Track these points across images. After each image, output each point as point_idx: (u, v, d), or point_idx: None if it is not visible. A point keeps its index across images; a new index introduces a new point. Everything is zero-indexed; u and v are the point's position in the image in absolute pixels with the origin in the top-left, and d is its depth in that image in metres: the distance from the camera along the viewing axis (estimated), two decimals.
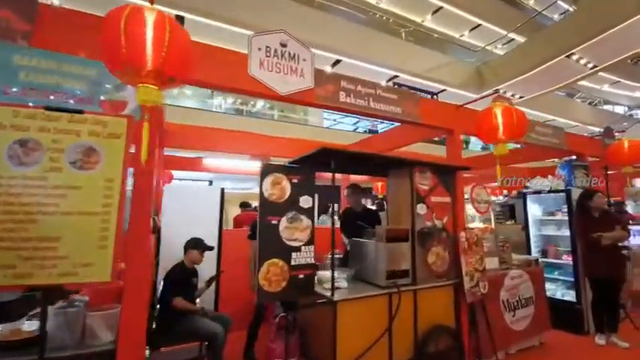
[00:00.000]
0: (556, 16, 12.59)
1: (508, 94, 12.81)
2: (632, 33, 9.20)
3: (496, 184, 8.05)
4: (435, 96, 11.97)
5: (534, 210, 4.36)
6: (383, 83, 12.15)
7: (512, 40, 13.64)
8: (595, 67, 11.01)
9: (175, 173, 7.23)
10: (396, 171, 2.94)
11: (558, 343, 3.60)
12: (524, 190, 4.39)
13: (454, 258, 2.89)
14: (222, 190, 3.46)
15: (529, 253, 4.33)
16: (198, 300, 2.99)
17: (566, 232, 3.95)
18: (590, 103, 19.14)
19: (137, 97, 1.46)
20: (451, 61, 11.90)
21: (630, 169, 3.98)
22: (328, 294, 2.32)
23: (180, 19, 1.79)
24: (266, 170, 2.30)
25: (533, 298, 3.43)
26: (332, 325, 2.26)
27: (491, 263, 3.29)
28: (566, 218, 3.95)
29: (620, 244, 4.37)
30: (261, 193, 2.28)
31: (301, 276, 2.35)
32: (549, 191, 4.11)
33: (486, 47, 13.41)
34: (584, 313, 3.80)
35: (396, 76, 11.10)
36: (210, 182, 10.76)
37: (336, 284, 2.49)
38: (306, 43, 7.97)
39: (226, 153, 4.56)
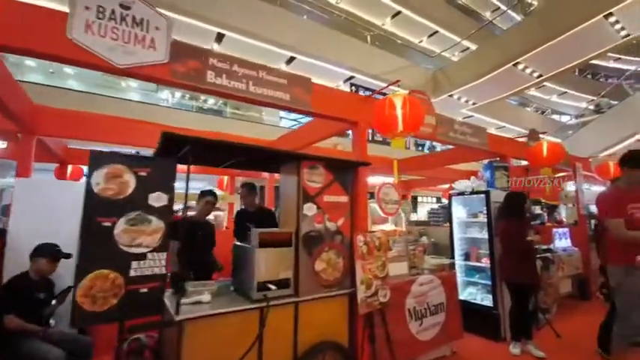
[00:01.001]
0: (506, 27, 12.93)
1: (462, 100, 13.05)
2: (572, 45, 9.55)
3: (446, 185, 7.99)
4: None
5: (459, 212, 4.18)
6: (341, 84, 11.99)
7: (468, 48, 13.95)
8: (540, 76, 11.40)
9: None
10: (286, 167, 2.57)
11: (472, 352, 3.38)
12: (450, 192, 4.20)
13: (351, 265, 2.57)
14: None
15: (453, 256, 4.14)
16: (52, 321, 2.45)
17: (487, 235, 3.79)
18: (542, 113, 20.10)
19: None
20: (408, 65, 11.90)
21: (549, 170, 3.88)
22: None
23: None
24: (97, 160, 1.84)
25: (445, 305, 3.19)
26: (176, 349, 1.83)
27: (400, 269, 3.01)
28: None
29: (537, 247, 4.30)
30: (89, 188, 1.81)
31: (144, 290, 1.90)
32: (471, 193, 3.94)
33: (444, 54, 13.60)
34: (500, 319, 3.62)
35: (352, 77, 10.89)
36: None
37: (196, 298, 2.07)
38: (260, 38, 7.50)
39: (131, 146, 4.00)
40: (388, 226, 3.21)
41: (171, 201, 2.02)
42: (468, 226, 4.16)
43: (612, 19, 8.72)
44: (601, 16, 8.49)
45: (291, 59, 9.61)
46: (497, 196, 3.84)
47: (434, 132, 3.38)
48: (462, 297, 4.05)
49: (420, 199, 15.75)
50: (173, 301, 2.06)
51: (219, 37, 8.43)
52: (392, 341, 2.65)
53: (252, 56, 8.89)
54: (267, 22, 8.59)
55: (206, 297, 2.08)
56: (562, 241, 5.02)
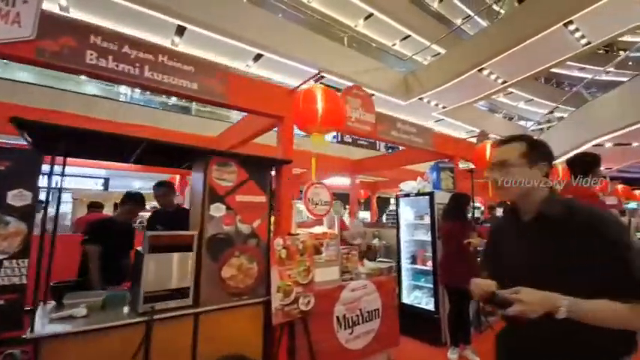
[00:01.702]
0: (472, 32, 13.16)
1: (432, 104, 13.16)
2: (534, 52, 9.77)
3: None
4: None
5: (406, 214, 4.04)
6: (312, 83, 11.75)
7: (439, 53, 14.10)
8: (505, 82, 11.63)
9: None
10: (197, 164, 2.32)
11: (410, 358, 3.24)
12: (397, 193, 4.05)
13: (267, 271, 2.34)
14: None
15: (399, 258, 4.00)
16: None
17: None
18: (510, 119, 20.67)
19: None
20: (379, 67, 11.85)
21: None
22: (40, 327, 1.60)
23: None
24: None
25: (380, 311, 3.01)
26: None
27: (330, 274, 2.81)
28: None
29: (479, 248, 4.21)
30: None
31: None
32: (417, 194, 3.81)
33: (417, 58, 13.67)
34: (441, 323, 3.50)
35: (322, 77, 10.70)
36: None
37: (67, 312, 1.78)
38: (224, 33, 7.06)
39: None
40: (323, 229, 3.00)
41: (35, 199, 1.72)
42: (416, 228, 4.03)
43: (572, 27, 8.97)
44: (561, 24, 8.72)
45: (258, 56, 9.31)
46: (442, 197, 3.72)
47: (373, 130, 3.21)
48: (407, 301, 3.92)
49: (393, 200, 15.79)
50: (45, 316, 1.77)
51: (180, 31, 8.03)
52: (316, 352, 2.44)
53: (216, 52, 8.49)
54: (232, 16, 8.27)
55: (80, 311, 1.79)
56: None
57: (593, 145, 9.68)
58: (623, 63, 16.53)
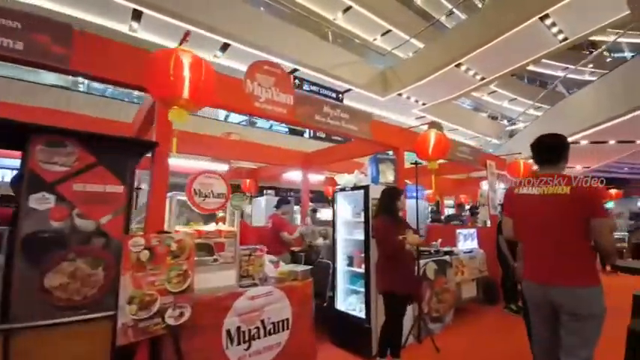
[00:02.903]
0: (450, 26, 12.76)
1: (412, 100, 12.75)
2: (511, 48, 9.36)
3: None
4: (340, 95, 11.36)
5: (344, 210, 3.60)
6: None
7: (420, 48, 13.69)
8: (483, 79, 11.25)
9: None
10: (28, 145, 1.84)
11: None
12: (335, 188, 3.61)
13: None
14: None
15: (334, 260, 3.56)
16: None
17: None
18: (494, 118, 20.39)
19: None
20: (356, 61, 11.38)
21: (435, 164, 3.37)
22: None
23: None
24: None
25: (290, 322, 2.57)
26: None
27: (225, 279, 2.35)
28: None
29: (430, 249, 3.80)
30: None
31: None
32: (352, 188, 3.36)
33: (398, 54, 13.22)
34: (372, 333, 3.07)
35: (296, 70, 10.22)
36: None
37: None
38: (186, 20, 6.38)
39: None
40: (227, 226, 2.54)
41: None
42: (354, 227, 3.58)
43: (549, 22, 8.59)
44: (536, 18, 8.33)
45: (225, 46, 8.79)
46: (376, 191, 3.30)
47: (290, 113, 2.75)
48: (342, 307, 3.49)
49: None
50: None
51: (137, 16, 7.48)
52: None
53: (176, 40, 7.93)
54: (198, 3, 7.74)
55: None
56: (467, 243, 4.60)
57: (570, 143, 9.36)
58: (602, 63, 16.29)
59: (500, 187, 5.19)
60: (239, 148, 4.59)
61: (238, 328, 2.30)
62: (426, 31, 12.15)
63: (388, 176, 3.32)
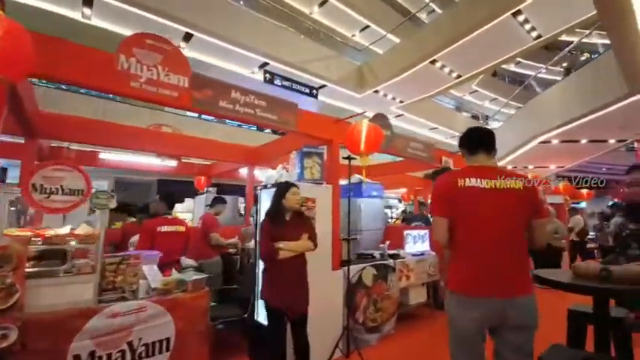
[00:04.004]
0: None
1: (389, 97, 12.39)
2: (485, 45, 9.05)
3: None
4: (314, 90, 10.93)
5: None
6: (256, 70, 10.75)
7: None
8: (459, 76, 10.95)
9: None
10: None
11: None
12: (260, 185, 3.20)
13: None
14: None
15: (256, 263, 3.15)
16: None
17: None
18: (475, 118, 20.23)
19: None
20: (332, 56, 10.96)
21: (367, 159, 2.98)
22: None
23: None
24: None
25: (172, 341, 2.15)
26: None
27: (78, 293, 1.92)
28: None
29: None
30: None
31: None
32: (273, 185, 2.96)
33: (377, 50, 12.83)
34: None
35: (266, 63, 9.75)
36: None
37: None
38: (143, 8, 5.69)
39: None
40: (83, 229, 2.10)
41: None
42: None
43: (521, 18, 8.31)
44: (509, 13, 8.04)
45: (188, 36, 8.26)
46: (303, 189, 2.90)
47: (185, 98, 2.32)
48: (260, 318, 3.09)
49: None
50: None
51: (89, 2, 6.93)
52: None
53: (135, 27, 7.30)
54: None
55: None
56: (417, 245, 4.24)
57: (541, 142, 9.12)
58: (580, 63, 16.16)
59: None
60: (171, 142, 4.14)
61: (92, 353, 1.87)
62: (405, 28, 11.80)
63: (314, 172, 2.92)
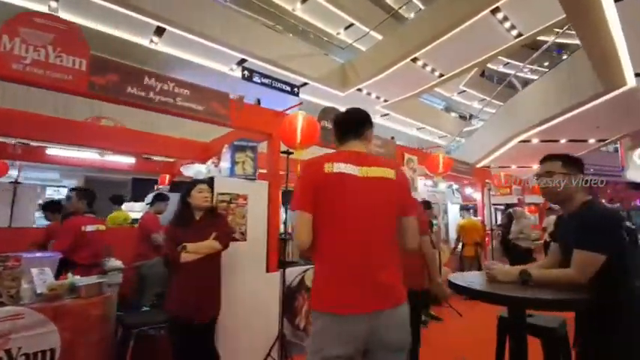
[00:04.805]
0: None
1: (373, 96, 12.19)
2: (465, 43, 8.87)
3: None
4: (296, 88, 10.68)
5: None
6: (234, 67, 10.49)
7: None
8: (442, 75, 10.77)
9: None
10: None
11: None
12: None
13: None
14: None
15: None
16: None
17: None
18: (463, 118, 20.08)
19: None
20: (314, 54, 10.74)
21: (301, 153, 2.76)
22: None
23: None
24: None
25: (57, 352, 1.90)
26: None
27: None
28: None
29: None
30: None
31: None
32: (175, 183, 2.74)
33: (357, 46, 12.62)
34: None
35: (244, 60, 9.51)
36: None
37: None
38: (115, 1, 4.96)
39: None
40: None
41: None
42: None
43: (500, 16, 8.14)
44: (488, 11, 7.87)
45: (160, 30, 8.01)
46: (231, 185, 2.67)
47: (80, 82, 2.07)
48: None
49: None
50: None
51: None
52: None
53: (104, 22, 6.87)
54: None
55: None
56: None
57: (521, 142, 8.95)
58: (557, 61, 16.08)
59: (424, 184, 4.63)
60: (112, 137, 3.88)
61: None
62: (389, 26, 11.60)
63: (247, 167, 2.69)
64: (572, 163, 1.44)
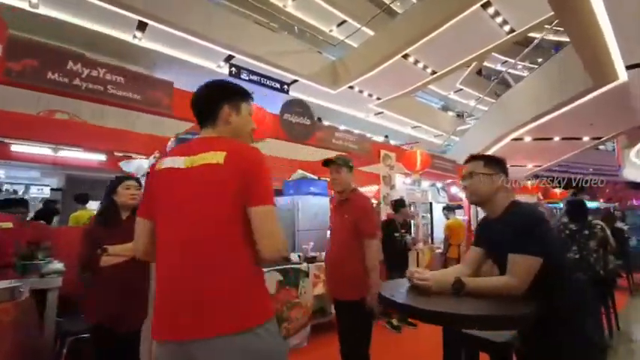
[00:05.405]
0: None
1: (365, 94, 11.95)
2: (457, 39, 8.64)
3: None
4: (286, 86, 10.49)
5: None
6: (222, 64, 10.26)
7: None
8: (434, 72, 10.51)
9: None
10: None
11: None
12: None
13: None
14: None
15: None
16: None
17: None
18: (460, 116, 19.78)
19: None
20: (305, 50, 10.52)
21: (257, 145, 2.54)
22: None
23: None
24: None
25: None
26: None
27: None
28: None
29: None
30: None
31: None
32: (143, 176, 2.53)
33: (349, 43, 12.37)
34: None
35: (232, 57, 9.31)
36: None
37: None
38: None
39: None
40: None
41: None
42: None
43: (492, 11, 7.90)
44: (478, 5, 7.62)
45: (142, 25, 7.82)
46: None
47: None
48: None
49: None
50: None
51: None
52: None
53: (83, 17, 6.63)
54: None
55: None
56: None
57: (513, 140, 8.70)
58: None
59: (402, 182, 4.41)
60: (67, 132, 3.68)
61: None
62: (381, 22, 11.34)
63: None
64: (495, 163, 1.38)
